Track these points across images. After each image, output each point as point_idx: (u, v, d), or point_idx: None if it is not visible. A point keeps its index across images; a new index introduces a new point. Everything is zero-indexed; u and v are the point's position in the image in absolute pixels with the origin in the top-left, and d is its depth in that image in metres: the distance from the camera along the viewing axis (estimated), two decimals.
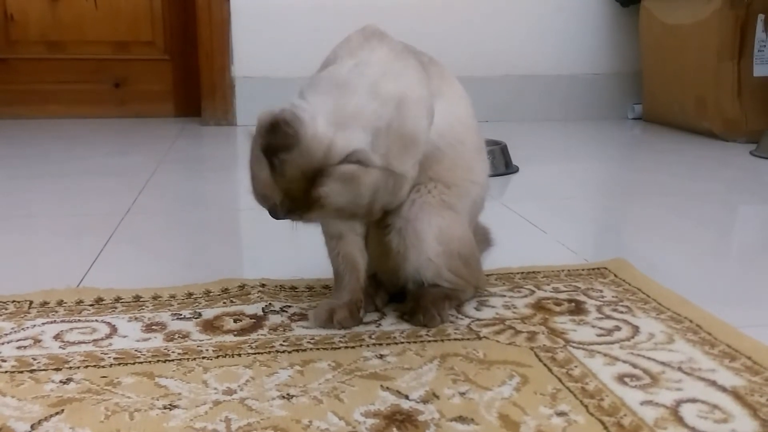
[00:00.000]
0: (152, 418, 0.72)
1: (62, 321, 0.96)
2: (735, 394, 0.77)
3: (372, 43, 0.90)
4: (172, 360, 0.85)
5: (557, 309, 1.00)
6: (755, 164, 2.13)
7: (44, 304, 1.01)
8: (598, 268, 1.16)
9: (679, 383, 0.79)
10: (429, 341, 0.90)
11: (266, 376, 0.81)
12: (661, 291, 1.06)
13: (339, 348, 0.88)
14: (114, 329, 0.94)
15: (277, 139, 0.78)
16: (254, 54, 2.81)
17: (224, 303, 1.02)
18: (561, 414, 0.73)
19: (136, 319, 0.97)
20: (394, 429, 0.70)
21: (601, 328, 0.94)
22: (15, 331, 0.93)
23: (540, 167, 2.12)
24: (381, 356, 0.86)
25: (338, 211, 0.82)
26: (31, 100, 2.94)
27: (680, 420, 0.72)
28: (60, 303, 1.02)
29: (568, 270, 1.16)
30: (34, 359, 0.85)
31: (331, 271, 0.97)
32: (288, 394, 0.77)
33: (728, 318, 0.95)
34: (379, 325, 0.95)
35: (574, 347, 0.88)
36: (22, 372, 0.82)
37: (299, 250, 1.18)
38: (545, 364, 0.84)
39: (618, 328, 0.94)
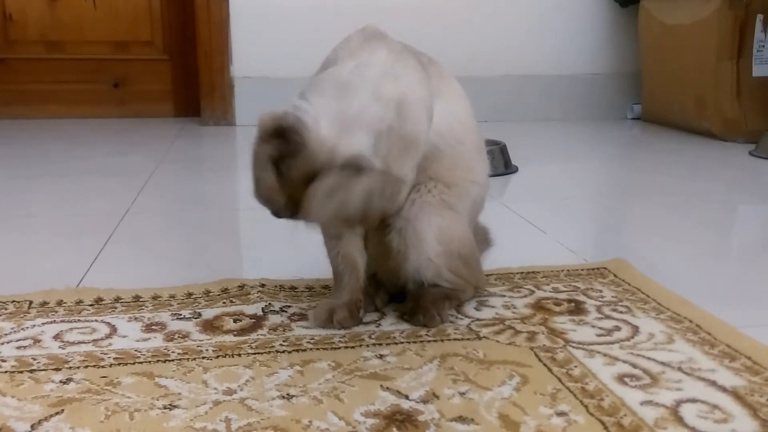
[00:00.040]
0: (152, 418, 0.72)
1: (62, 321, 0.96)
2: (735, 394, 0.77)
3: (372, 44, 0.90)
4: (172, 360, 0.85)
5: (557, 309, 1.00)
6: (755, 164, 2.13)
7: (44, 304, 1.01)
8: (598, 268, 1.16)
9: (679, 383, 0.79)
10: (429, 341, 0.90)
11: (266, 376, 0.81)
12: (661, 291, 1.06)
13: (339, 348, 0.88)
14: (114, 329, 0.94)
15: (282, 146, 0.78)
16: (253, 54, 2.80)
17: (224, 303, 1.02)
18: (561, 414, 0.73)
19: (135, 319, 0.97)
20: (394, 429, 0.70)
21: (600, 328, 0.94)
22: (15, 331, 0.93)
23: (540, 167, 2.12)
24: (381, 356, 0.86)
25: (328, 220, 0.82)
26: (31, 100, 2.94)
27: (680, 420, 0.72)
28: (60, 303, 1.02)
29: (568, 270, 1.16)
30: (34, 359, 0.85)
31: (330, 271, 0.97)
32: (288, 394, 0.77)
33: (728, 318, 0.95)
34: (379, 325, 0.95)
35: (573, 347, 0.88)
36: (22, 372, 0.82)
37: (299, 250, 1.18)
38: (545, 364, 0.84)
39: (618, 328, 0.94)
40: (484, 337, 0.91)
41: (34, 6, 2.91)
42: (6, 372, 0.81)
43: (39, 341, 0.90)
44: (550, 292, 1.07)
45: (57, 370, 0.82)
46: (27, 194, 1.75)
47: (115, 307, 1.01)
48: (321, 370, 0.82)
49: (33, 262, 1.26)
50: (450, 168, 0.95)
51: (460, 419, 0.72)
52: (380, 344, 0.89)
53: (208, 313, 0.99)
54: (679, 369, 0.83)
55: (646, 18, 2.79)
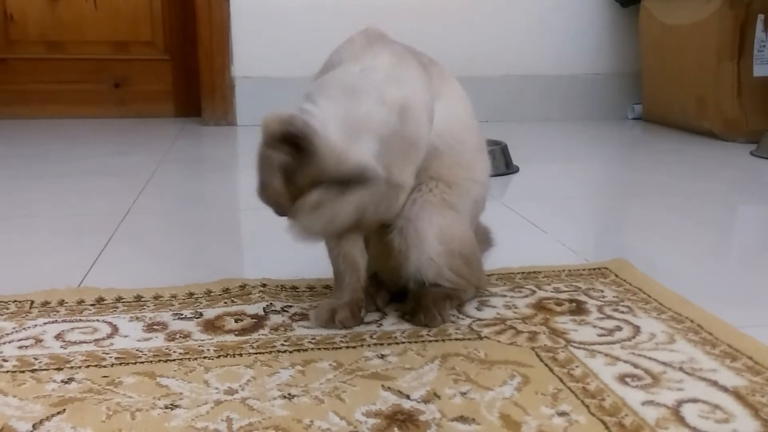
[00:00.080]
0: (154, 418, 0.72)
1: (63, 321, 0.96)
2: (736, 394, 0.77)
3: (375, 47, 0.90)
4: (174, 360, 0.85)
5: (558, 309, 1.00)
6: (755, 164, 2.13)
7: (45, 303, 1.01)
8: (599, 268, 1.16)
9: (680, 383, 0.79)
10: (430, 341, 0.90)
11: (267, 376, 0.81)
12: (662, 291, 1.06)
13: (340, 348, 0.88)
14: (115, 329, 0.94)
15: (292, 153, 0.77)
16: (254, 54, 2.81)
17: (225, 303, 1.02)
18: (562, 414, 0.73)
19: (137, 318, 0.97)
20: (396, 429, 0.70)
21: (602, 328, 0.94)
22: (16, 331, 0.93)
23: (540, 167, 2.12)
24: (382, 356, 0.86)
25: (318, 234, 0.82)
26: (31, 100, 2.94)
27: (681, 420, 0.72)
28: (61, 303, 1.02)
29: (569, 270, 1.16)
30: (36, 359, 0.85)
31: (331, 271, 0.97)
32: (289, 394, 0.77)
33: (729, 318, 0.95)
34: (380, 324, 0.95)
35: (575, 347, 0.88)
36: (23, 372, 0.82)
37: (300, 250, 1.17)
38: (546, 364, 0.84)
39: (619, 328, 0.94)
40: (486, 337, 0.91)
41: (34, 6, 2.91)
42: (8, 372, 0.82)
43: (40, 341, 0.90)
44: (552, 292, 1.07)
45: (58, 369, 0.82)
46: (27, 194, 1.75)
47: (117, 307, 1.01)
48: (322, 370, 0.82)
49: (34, 262, 1.26)
50: (451, 167, 0.94)
51: (462, 419, 0.72)
52: (381, 344, 0.89)
53: (210, 313, 0.99)
54: (681, 369, 0.83)
55: (646, 18, 2.79)
